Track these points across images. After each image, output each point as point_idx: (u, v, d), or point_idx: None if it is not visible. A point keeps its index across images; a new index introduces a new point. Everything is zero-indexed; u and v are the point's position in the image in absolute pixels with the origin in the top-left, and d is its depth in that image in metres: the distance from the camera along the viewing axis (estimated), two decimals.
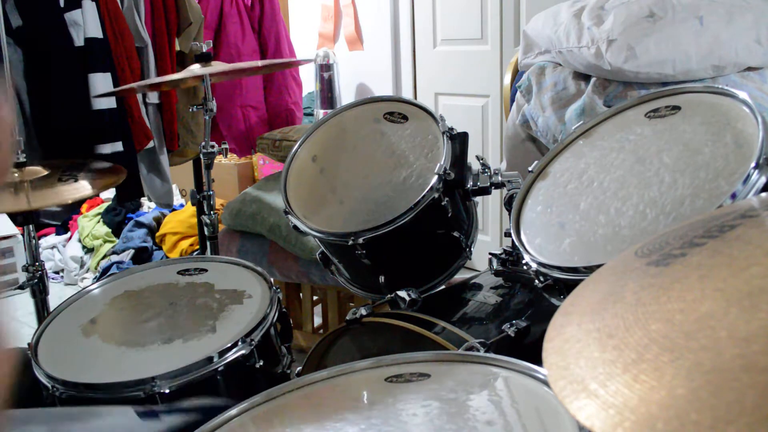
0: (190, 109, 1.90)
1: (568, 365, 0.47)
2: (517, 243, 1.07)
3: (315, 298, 2.48)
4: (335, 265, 1.40)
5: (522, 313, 1.23)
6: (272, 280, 1.30)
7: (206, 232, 1.86)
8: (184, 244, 3.27)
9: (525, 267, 1.05)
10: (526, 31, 2.07)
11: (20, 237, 3.24)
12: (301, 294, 2.44)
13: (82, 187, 1.59)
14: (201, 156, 1.83)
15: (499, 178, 1.29)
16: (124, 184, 1.75)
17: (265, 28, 2.80)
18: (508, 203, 1.22)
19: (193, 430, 0.81)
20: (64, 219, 3.61)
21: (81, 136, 2.12)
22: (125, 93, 2.18)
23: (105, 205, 3.67)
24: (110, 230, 3.52)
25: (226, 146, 1.87)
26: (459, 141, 1.26)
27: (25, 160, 1.64)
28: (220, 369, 1.09)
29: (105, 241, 3.48)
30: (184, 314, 1.22)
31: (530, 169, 1.18)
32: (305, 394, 0.87)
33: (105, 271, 3.25)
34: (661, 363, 0.42)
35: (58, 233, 3.76)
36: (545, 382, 0.75)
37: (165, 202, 2.56)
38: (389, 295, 1.25)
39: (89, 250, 3.52)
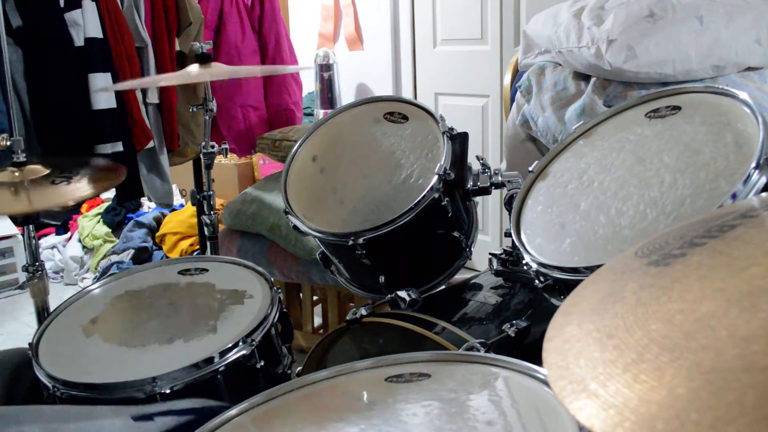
0: (190, 109, 1.90)
1: (568, 365, 0.47)
2: (517, 243, 1.07)
3: (315, 298, 2.48)
4: (335, 265, 1.40)
5: (522, 313, 1.23)
6: (272, 280, 1.30)
7: (206, 232, 1.87)
8: (184, 244, 3.27)
9: (525, 267, 1.05)
10: (526, 31, 2.07)
11: (20, 237, 3.25)
12: (301, 294, 2.44)
13: (82, 188, 1.59)
14: (201, 156, 1.83)
15: (499, 178, 1.29)
16: (124, 184, 1.75)
17: (265, 28, 2.80)
18: (508, 203, 1.22)
19: (187, 431, 0.81)
20: (64, 219, 3.61)
21: (81, 136, 2.12)
22: (125, 91, 2.18)
23: (105, 205, 3.67)
24: (110, 230, 3.52)
25: (226, 146, 1.88)
26: (459, 141, 1.27)
27: (25, 160, 1.64)
28: (221, 369, 1.09)
29: (105, 241, 3.48)
30: (185, 314, 1.22)
31: (530, 169, 1.18)
32: (305, 394, 0.87)
33: (105, 271, 3.25)
34: (661, 363, 0.42)
35: (58, 233, 3.76)
36: (545, 382, 0.75)
37: (165, 202, 2.56)
38: (389, 295, 1.26)
39: (89, 250, 3.52)
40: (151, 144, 2.35)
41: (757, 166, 0.88)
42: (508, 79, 2.27)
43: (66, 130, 2.10)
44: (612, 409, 0.41)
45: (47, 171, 1.64)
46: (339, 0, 3.64)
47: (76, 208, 3.49)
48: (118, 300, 1.31)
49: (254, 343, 1.13)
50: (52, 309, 1.34)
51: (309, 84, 3.68)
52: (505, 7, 2.92)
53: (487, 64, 3.04)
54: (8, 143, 1.63)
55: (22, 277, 2.07)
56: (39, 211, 1.60)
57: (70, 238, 3.68)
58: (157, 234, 3.40)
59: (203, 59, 1.65)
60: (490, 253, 1.28)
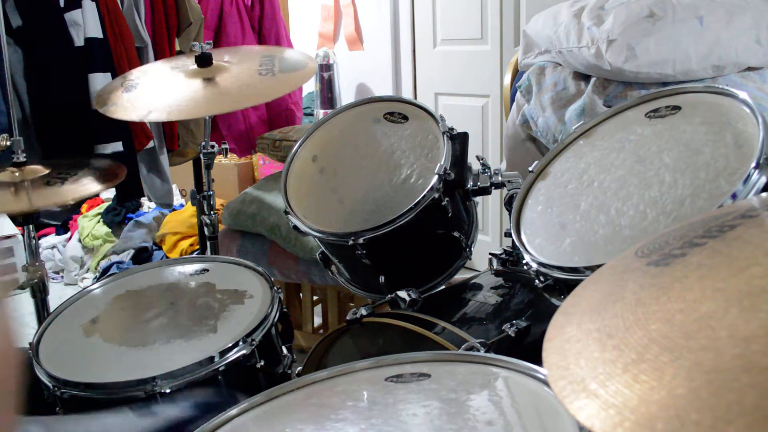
0: None
1: (568, 365, 0.47)
2: (517, 243, 1.07)
3: (315, 298, 2.48)
4: (335, 265, 1.40)
5: (522, 313, 1.23)
6: (273, 280, 1.30)
7: (206, 232, 1.86)
8: (184, 244, 3.27)
9: (525, 267, 1.05)
10: (526, 31, 2.07)
11: (20, 237, 3.24)
12: (301, 294, 2.44)
13: (82, 188, 1.59)
14: (201, 156, 1.83)
15: (499, 178, 1.29)
16: (124, 184, 1.75)
17: (265, 28, 2.80)
18: (508, 203, 1.22)
19: (188, 425, 0.81)
20: (64, 219, 3.61)
21: (81, 136, 2.12)
22: None
23: (105, 205, 3.67)
24: (110, 230, 3.52)
25: (226, 146, 1.87)
26: (459, 141, 1.26)
27: (25, 160, 1.64)
28: (221, 369, 1.09)
29: (105, 241, 3.48)
30: (185, 314, 1.22)
31: (530, 169, 1.18)
32: (305, 394, 0.87)
33: (105, 271, 3.25)
34: (661, 363, 0.42)
35: (58, 233, 3.75)
36: (545, 382, 0.75)
37: (165, 202, 2.56)
38: (389, 295, 1.25)
39: (89, 250, 3.52)
40: (151, 144, 2.35)
41: (757, 166, 0.88)
42: (508, 79, 2.27)
43: (66, 130, 2.10)
44: (612, 409, 0.41)
45: (47, 171, 1.65)
46: (339, 0, 3.64)
47: (76, 208, 3.49)
48: (119, 300, 1.31)
49: (254, 342, 1.13)
50: (52, 309, 1.34)
51: (309, 84, 3.68)
52: (505, 7, 2.91)
53: (487, 64, 3.04)
54: (8, 143, 1.63)
55: (22, 277, 2.07)
56: (39, 209, 1.60)
57: (70, 238, 3.68)
58: (157, 234, 3.40)
59: (203, 59, 1.64)
60: (490, 253, 1.28)
